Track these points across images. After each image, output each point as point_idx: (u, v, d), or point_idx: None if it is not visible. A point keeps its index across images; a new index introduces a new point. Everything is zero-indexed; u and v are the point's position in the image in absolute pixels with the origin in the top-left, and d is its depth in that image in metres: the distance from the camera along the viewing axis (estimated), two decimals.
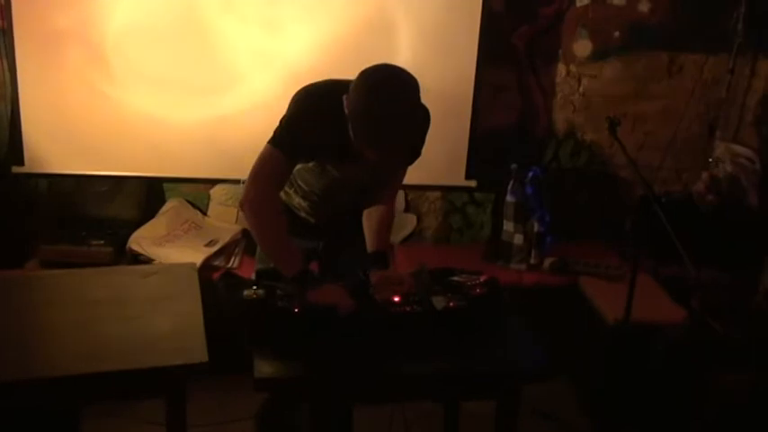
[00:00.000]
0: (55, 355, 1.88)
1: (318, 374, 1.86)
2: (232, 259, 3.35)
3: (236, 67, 3.28)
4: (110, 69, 3.25)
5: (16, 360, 1.83)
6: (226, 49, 3.27)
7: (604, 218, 3.74)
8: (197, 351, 1.89)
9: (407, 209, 3.74)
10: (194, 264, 2.43)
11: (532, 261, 3.42)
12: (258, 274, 2.25)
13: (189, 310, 2.10)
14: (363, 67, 1.91)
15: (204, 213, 3.62)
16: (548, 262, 3.42)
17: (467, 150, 3.47)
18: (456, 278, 2.23)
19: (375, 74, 1.87)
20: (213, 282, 2.82)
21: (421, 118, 2.02)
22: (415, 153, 2.21)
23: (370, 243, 2.26)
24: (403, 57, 3.29)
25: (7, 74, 3.22)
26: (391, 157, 1.93)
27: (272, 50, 3.28)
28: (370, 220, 2.29)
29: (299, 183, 2.28)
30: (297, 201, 2.34)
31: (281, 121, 2.04)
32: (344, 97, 1.90)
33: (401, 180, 2.33)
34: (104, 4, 3.17)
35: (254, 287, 2.10)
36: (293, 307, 2.00)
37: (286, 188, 2.29)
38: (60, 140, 3.31)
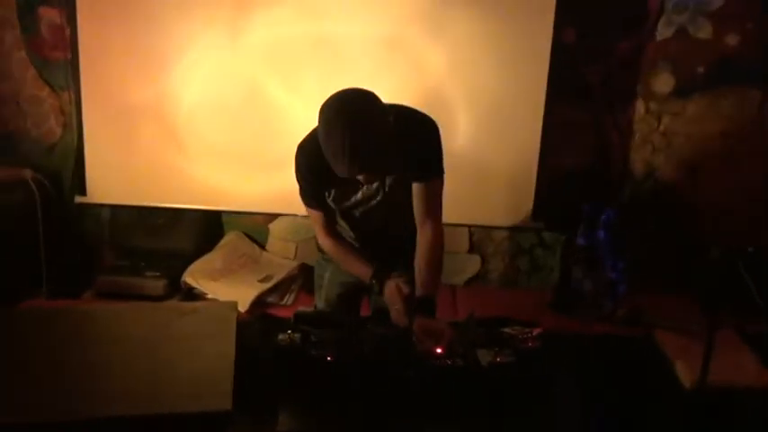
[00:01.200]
0: (75, 396, 1.80)
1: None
2: (287, 296, 3.27)
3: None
4: (170, 106, 3.25)
5: (31, 400, 1.76)
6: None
7: (686, 267, 3.46)
8: (221, 398, 1.77)
9: (471, 249, 3.57)
10: (235, 303, 2.32)
11: (603, 311, 3.18)
12: (297, 316, 2.14)
13: (221, 353, 1.99)
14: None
15: (263, 248, 3.56)
16: (620, 312, 3.16)
17: (534, 190, 3.28)
18: (507, 330, 2.05)
19: (325, 109, 1.91)
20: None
21: (378, 134, 1.89)
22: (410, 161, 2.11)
23: (417, 287, 2.13)
24: (464, 90, 3.16)
25: (73, 104, 3.27)
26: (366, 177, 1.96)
27: None
28: (418, 260, 2.19)
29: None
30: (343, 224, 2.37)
31: None
32: None
33: (434, 199, 2.18)
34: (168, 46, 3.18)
35: (290, 331, 2.00)
36: (326, 356, 1.88)
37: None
38: (122, 171, 3.32)
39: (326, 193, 2.18)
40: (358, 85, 1.95)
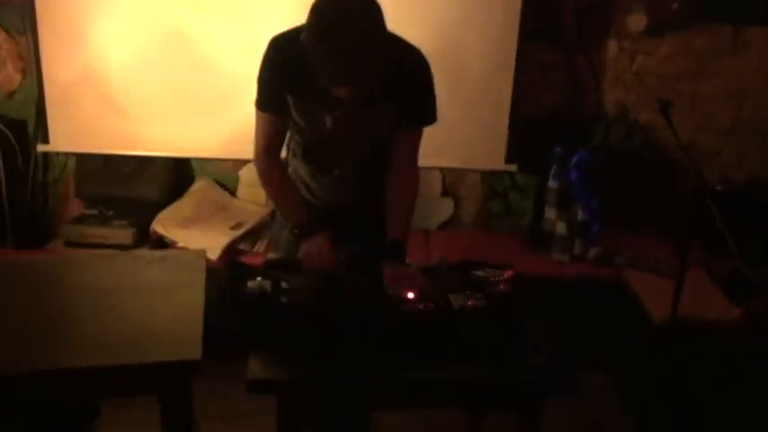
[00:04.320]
0: (42, 347, 1.78)
1: (317, 377, 1.71)
2: (258, 243, 3.23)
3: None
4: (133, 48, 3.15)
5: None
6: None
7: (658, 207, 3.48)
8: (190, 347, 1.76)
9: (445, 193, 3.55)
10: (204, 251, 2.30)
11: (576, 251, 3.19)
12: (268, 263, 2.11)
13: (190, 302, 1.97)
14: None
15: (233, 195, 3.51)
16: (592, 253, 3.18)
17: (507, 132, 3.24)
18: (479, 273, 2.04)
19: (323, 6, 1.75)
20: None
21: (373, 25, 1.75)
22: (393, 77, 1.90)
23: (389, 231, 2.09)
24: (435, 31, 3.08)
25: (31, 49, 3.14)
26: (342, 63, 1.72)
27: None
28: (389, 204, 2.12)
29: (297, 138, 2.14)
30: (301, 172, 2.19)
31: None
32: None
33: (415, 145, 2.09)
34: None
35: (260, 278, 1.97)
36: (297, 302, 1.86)
37: (290, 157, 2.22)
38: (86, 118, 3.22)
39: (288, 99, 1.97)
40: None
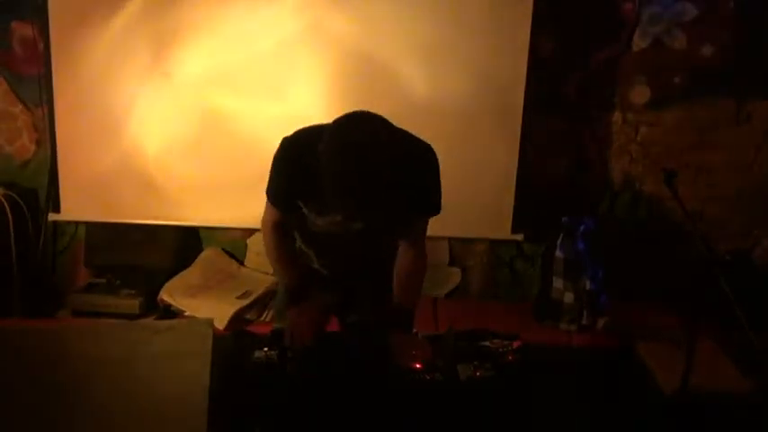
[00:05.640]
0: (45, 418, 1.76)
1: None
2: (265, 312, 3.23)
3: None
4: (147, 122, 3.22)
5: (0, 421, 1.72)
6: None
7: (665, 276, 3.47)
8: (195, 420, 1.74)
9: (452, 262, 3.56)
10: (211, 320, 2.29)
11: (584, 321, 3.17)
12: (274, 333, 2.10)
13: (196, 372, 1.95)
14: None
15: (241, 263, 3.53)
16: (601, 323, 3.16)
17: (513, 202, 3.27)
18: (487, 343, 2.03)
19: (341, 130, 1.72)
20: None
21: (390, 176, 1.69)
22: (415, 205, 1.96)
23: (394, 299, 2.09)
24: (445, 105, 3.15)
25: (47, 120, 3.22)
26: (359, 217, 1.81)
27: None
28: (397, 279, 2.12)
29: (302, 227, 2.13)
30: (305, 248, 2.19)
31: None
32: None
33: (422, 228, 2.09)
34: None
35: (266, 348, 1.96)
36: (302, 372, 1.85)
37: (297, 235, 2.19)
38: (97, 188, 3.28)
39: (301, 202, 1.97)
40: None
